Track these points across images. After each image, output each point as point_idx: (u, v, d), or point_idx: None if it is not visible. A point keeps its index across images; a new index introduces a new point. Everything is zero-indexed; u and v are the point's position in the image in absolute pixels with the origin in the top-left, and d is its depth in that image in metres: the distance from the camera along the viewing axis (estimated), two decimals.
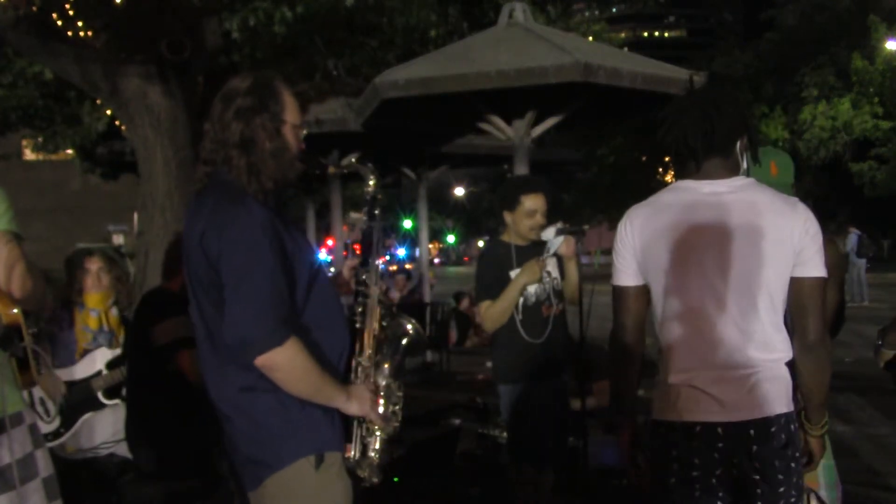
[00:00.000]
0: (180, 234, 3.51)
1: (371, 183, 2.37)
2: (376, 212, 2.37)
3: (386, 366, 2.23)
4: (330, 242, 9.95)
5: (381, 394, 2.18)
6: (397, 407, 2.21)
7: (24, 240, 2.29)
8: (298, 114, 2.15)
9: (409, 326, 2.30)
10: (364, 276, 2.26)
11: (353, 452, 2.13)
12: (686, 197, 2.11)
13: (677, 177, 2.20)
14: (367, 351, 2.19)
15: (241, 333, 1.90)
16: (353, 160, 2.40)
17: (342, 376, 2.13)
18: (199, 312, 2.05)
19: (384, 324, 2.26)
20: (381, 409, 2.16)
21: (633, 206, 2.21)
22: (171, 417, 3.16)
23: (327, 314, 2.11)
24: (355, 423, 2.13)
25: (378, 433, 2.16)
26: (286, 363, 1.93)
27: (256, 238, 1.94)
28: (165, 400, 3.16)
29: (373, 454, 2.16)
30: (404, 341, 2.28)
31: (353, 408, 2.08)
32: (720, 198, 2.07)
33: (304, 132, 2.18)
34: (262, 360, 1.91)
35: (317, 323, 2.07)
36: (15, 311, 2.19)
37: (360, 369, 2.17)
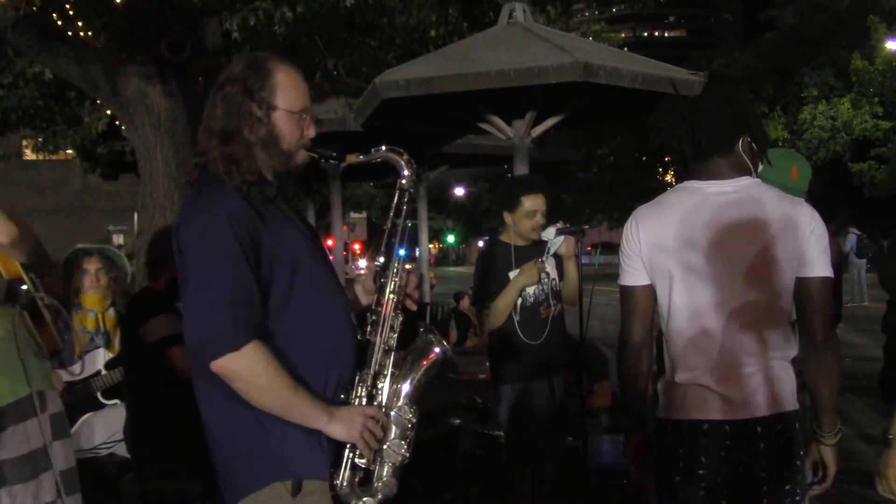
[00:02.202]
0: (160, 233, 3.50)
1: (405, 174, 2.03)
2: (404, 207, 2.02)
3: (402, 388, 1.94)
4: (330, 242, 9.92)
5: (390, 418, 1.91)
6: (409, 433, 1.92)
7: None
8: (298, 98, 1.90)
9: (438, 348, 1.98)
10: (382, 281, 1.98)
11: (340, 480, 1.86)
12: (692, 197, 2.12)
13: (681, 177, 2.20)
14: (374, 369, 1.93)
15: (196, 334, 1.73)
16: (384, 148, 2.02)
17: (332, 395, 1.87)
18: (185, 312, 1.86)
19: (418, 335, 2.00)
20: (391, 435, 1.90)
21: (640, 207, 2.22)
22: (169, 417, 3.15)
23: (316, 319, 1.86)
24: (347, 448, 1.86)
25: (387, 462, 1.89)
26: (245, 371, 1.72)
27: (220, 229, 1.74)
28: (163, 399, 3.15)
29: (377, 484, 1.89)
30: (428, 362, 1.97)
31: (336, 431, 1.82)
32: (725, 198, 2.08)
33: (307, 117, 1.93)
34: (217, 366, 1.72)
35: (300, 330, 1.84)
36: (5, 268, 2.09)
37: (361, 388, 1.91)
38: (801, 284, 2.07)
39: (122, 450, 3.60)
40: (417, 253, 13.30)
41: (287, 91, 1.89)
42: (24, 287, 2.13)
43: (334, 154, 2.03)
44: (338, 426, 1.82)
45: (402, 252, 2.01)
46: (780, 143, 25.67)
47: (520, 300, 3.56)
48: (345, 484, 1.86)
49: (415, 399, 1.96)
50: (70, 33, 6.02)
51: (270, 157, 1.88)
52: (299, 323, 1.85)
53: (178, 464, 3.16)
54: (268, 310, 1.80)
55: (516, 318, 3.56)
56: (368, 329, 1.96)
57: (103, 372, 3.66)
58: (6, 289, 2.10)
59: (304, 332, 1.85)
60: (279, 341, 1.81)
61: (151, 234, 5.04)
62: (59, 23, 5.97)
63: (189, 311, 1.76)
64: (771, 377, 2.06)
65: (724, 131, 2.10)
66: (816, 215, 2.10)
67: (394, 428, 1.91)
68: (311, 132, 1.95)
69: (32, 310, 2.18)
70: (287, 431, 1.80)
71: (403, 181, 2.03)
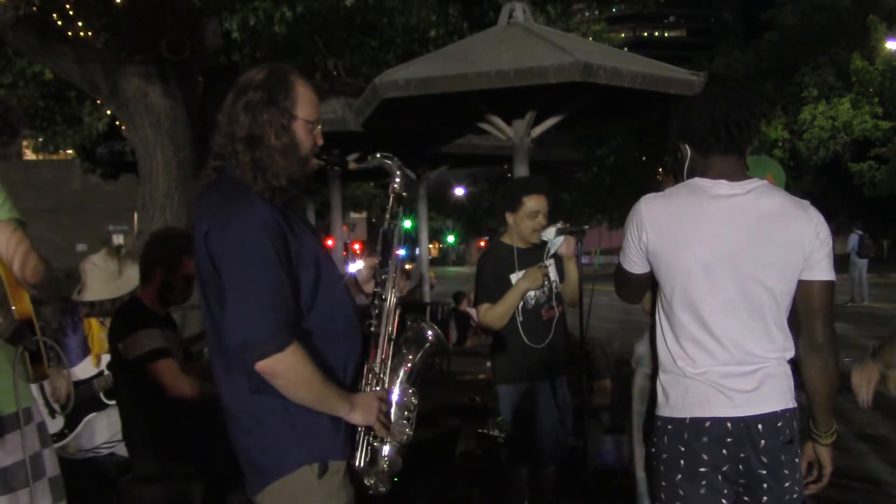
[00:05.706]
0: (157, 235, 3.41)
1: (397, 179, 2.23)
2: (400, 209, 2.22)
3: (401, 372, 2.14)
4: (330, 242, 9.92)
5: (395, 400, 2.11)
6: (411, 413, 2.12)
7: (25, 224, 2.29)
8: (314, 109, 2.07)
9: (431, 333, 2.19)
10: (383, 277, 2.17)
11: (358, 460, 2.06)
12: (700, 195, 2.12)
13: (678, 173, 2.20)
14: (381, 357, 2.12)
15: (241, 337, 1.86)
16: (378, 155, 2.28)
17: (350, 382, 2.06)
18: (209, 312, 1.99)
19: (408, 325, 2.18)
20: (392, 418, 2.08)
21: (648, 197, 2.19)
22: (162, 422, 3.09)
23: (336, 316, 2.04)
24: (362, 430, 2.06)
25: (389, 441, 2.09)
26: (287, 370, 1.88)
27: (258, 238, 1.88)
28: (153, 406, 3.08)
29: (383, 463, 2.08)
30: (424, 348, 2.18)
31: (356, 417, 2.01)
32: (733, 198, 2.09)
33: (318, 127, 2.10)
34: (262, 366, 1.86)
35: (323, 325, 2.01)
36: (17, 307, 2.19)
37: (370, 375, 2.10)
38: (804, 287, 2.09)
39: (122, 450, 3.59)
40: (417, 252, 13.29)
41: (305, 103, 2.05)
42: (34, 335, 2.26)
43: (342, 160, 2.23)
44: (358, 413, 2.01)
45: (400, 252, 2.21)
46: (780, 143, 25.68)
47: (521, 302, 3.55)
48: (362, 464, 2.06)
49: (413, 380, 2.15)
50: (70, 33, 6.03)
51: (289, 163, 2.00)
52: (323, 319, 2.01)
53: (175, 466, 3.16)
54: (298, 310, 1.96)
55: (519, 318, 3.55)
56: (374, 321, 2.14)
57: (106, 372, 3.66)
58: (15, 329, 2.21)
59: (326, 329, 2.02)
60: (307, 338, 1.96)
61: (149, 234, 4.99)
62: (59, 23, 5.98)
63: (233, 314, 1.87)
64: (771, 374, 2.07)
65: (757, 131, 2.14)
66: (822, 219, 2.11)
67: (399, 409, 2.10)
68: (320, 141, 2.11)
69: (33, 349, 2.29)
70: (313, 418, 1.97)
71: (396, 185, 2.23)
